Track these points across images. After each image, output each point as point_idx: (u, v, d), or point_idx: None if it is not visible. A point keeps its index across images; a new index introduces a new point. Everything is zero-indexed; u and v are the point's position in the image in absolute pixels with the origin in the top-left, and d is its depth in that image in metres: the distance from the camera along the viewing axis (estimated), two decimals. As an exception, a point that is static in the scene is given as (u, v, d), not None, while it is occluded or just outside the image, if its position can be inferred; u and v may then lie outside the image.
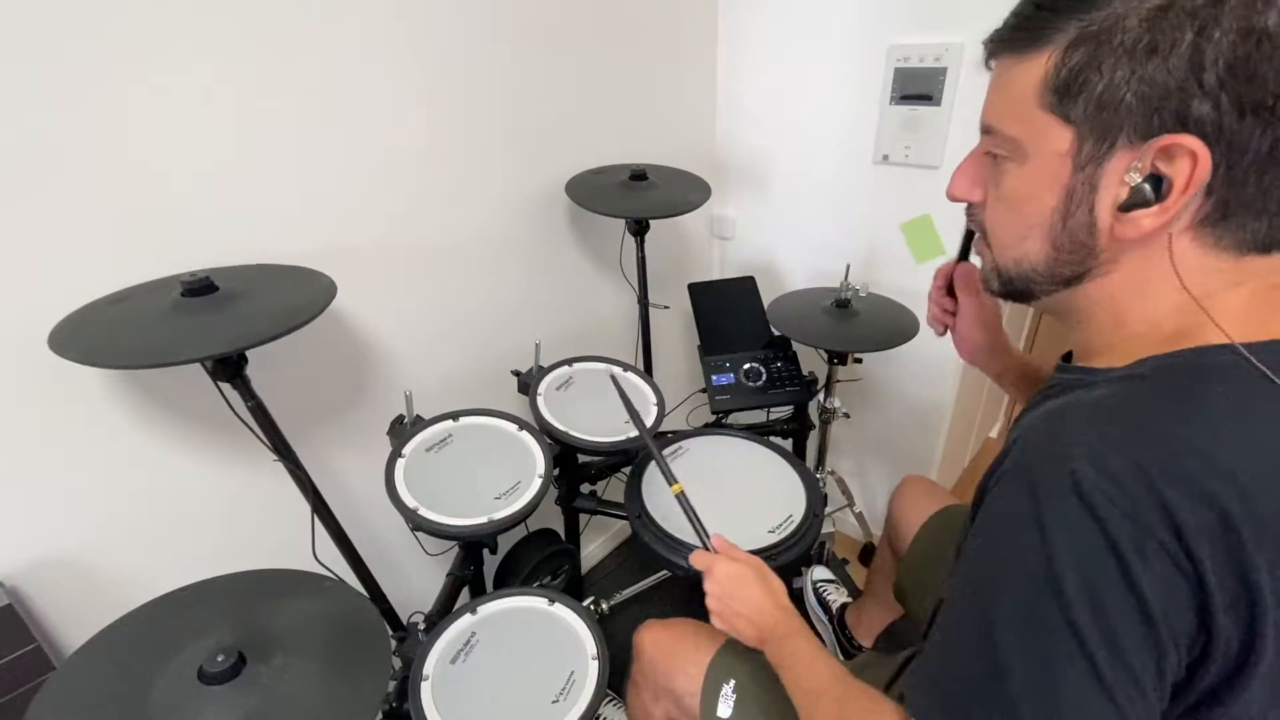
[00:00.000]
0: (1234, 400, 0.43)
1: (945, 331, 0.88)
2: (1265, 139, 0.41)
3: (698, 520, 0.83)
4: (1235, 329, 0.45)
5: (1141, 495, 0.40)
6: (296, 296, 0.78)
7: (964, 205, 0.58)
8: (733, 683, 0.81)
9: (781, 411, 1.49)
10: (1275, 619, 0.41)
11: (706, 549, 0.81)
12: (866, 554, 1.76)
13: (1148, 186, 0.44)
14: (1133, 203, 0.45)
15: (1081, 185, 0.47)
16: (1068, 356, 0.59)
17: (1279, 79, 0.40)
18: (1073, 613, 0.42)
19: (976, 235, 0.58)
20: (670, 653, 0.87)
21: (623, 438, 1.11)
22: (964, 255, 0.84)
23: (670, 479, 0.85)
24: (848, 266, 1.39)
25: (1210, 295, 0.46)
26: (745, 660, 0.83)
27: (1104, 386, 0.48)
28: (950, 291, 0.85)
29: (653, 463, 1.16)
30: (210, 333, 0.69)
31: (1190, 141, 0.42)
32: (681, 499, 0.84)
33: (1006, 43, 0.49)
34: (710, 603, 0.76)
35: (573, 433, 1.08)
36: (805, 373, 1.41)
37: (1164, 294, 0.48)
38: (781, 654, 0.70)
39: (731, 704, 0.80)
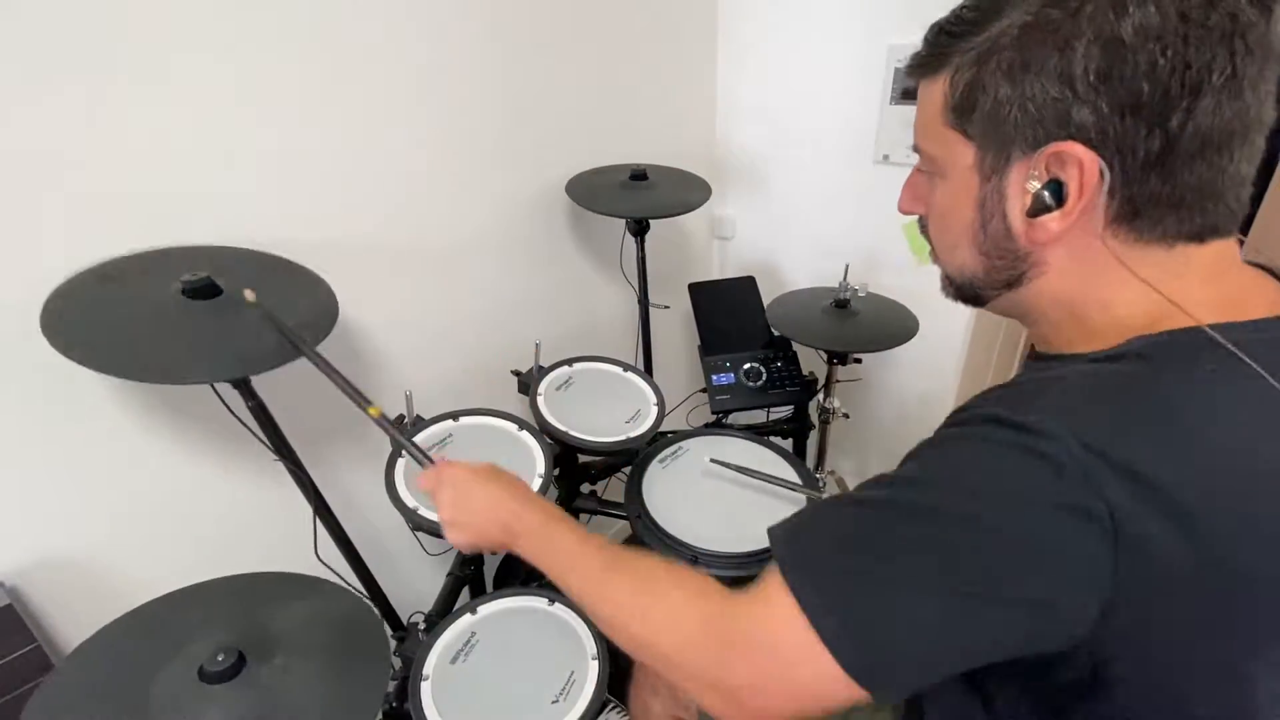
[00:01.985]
0: (1213, 376, 0.43)
1: None
2: (1154, 138, 0.43)
3: (411, 442, 0.75)
4: (1209, 317, 0.46)
5: (1104, 443, 0.40)
6: (300, 313, 0.78)
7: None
8: None
9: (781, 411, 1.49)
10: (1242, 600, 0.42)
11: (426, 467, 0.73)
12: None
13: (1046, 193, 0.47)
14: (1037, 208, 0.47)
15: (991, 195, 0.50)
16: (1035, 356, 0.60)
17: (1152, 82, 0.41)
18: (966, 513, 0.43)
19: (926, 239, 0.61)
20: None
21: (623, 438, 1.11)
22: None
23: (363, 402, 0.74)
24: (847, 267, 1.39)
25: (1159, 283, 0.47)
26: None
27: (1094, 364, 0.48)
28: None
29: (653, 463, 1.16)
30: (217, 352, 0.70)
31: (1074, 148, 0.44)
32: (381, 422, 0.74)
33: (919, 68, 0.52)
34: (443, 512, 0.69)
35: (573, 433, 1.08)
36: (805, 373, 1.41)
37: (1115, 286, 0.48)
38: (538, 544, 0.64)
39: None
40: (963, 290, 0.58)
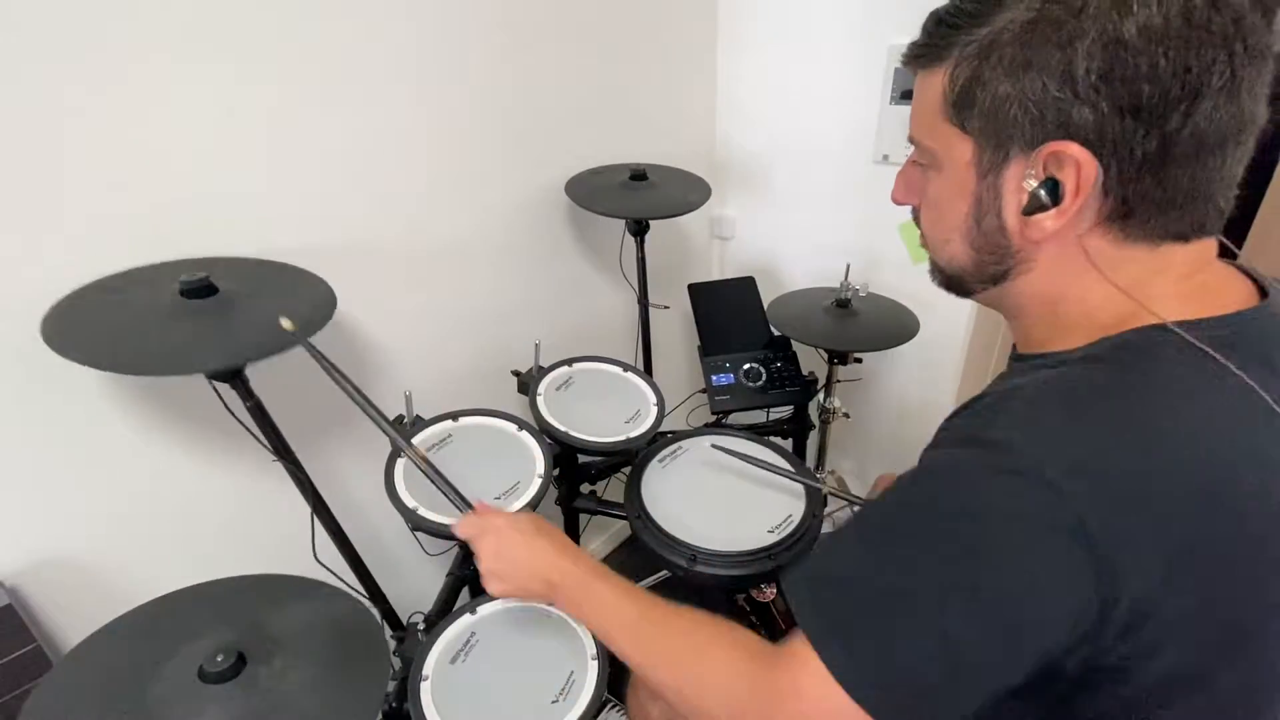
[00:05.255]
0: (1174, 377, 0.45)
1: None
2: (1151, 139, 0.43)
3: (450, 486, 0.76)
4: (1175, 312, 0.47)
5: (1062, 460, 0.42)
6: (297, 307, 0.78)
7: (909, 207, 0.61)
8: None
9: (781, 411, 1.49)
10: (1202, 582, 0.42)
11: (465, 512, 0.74)
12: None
13: (1043, 192, 0.46)
14: (1033, 207, 0.47)
15: (987, 192, 0.50)
16: (1014, 356, 0.61)
17: (1153, 83, 0.41)
18: (957, 558, 0.44)
19: (919, 227, 0.61)
20: None
21: (622, 438, 1.11)
22: None
23: (405, 447, 0.76)
24: (848, 266, 1.39)
25: (1136, 283, 0.48)
26: None
27: (1061, 367, 0.50)
28: None
29: (652, 463, 1.16)
30: (212, 343, 0.69)
31: (1072, 148, 0.44)
32: (427, 467, 0.76)
33: (917, 58, 0.51)
34: (485, 563, 0.70)
35: (573, 433, 1.08)
36: (805, 373, 1.41)
37: (1090, 285, 0.50)
38: (580, 600, 0.66)
39: None
40: (950, 281, 0.59)
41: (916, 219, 0.60)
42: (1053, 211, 0.47)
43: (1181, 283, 0.48)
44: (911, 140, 0.55)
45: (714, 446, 1.10)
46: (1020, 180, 0.47)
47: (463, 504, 0.75)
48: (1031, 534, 0.42)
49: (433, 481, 0.76)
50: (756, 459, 1.08)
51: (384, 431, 0.76)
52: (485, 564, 0.70)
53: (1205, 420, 0.43)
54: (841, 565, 0.51)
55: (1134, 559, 0.41)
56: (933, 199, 0.55)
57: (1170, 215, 0.46)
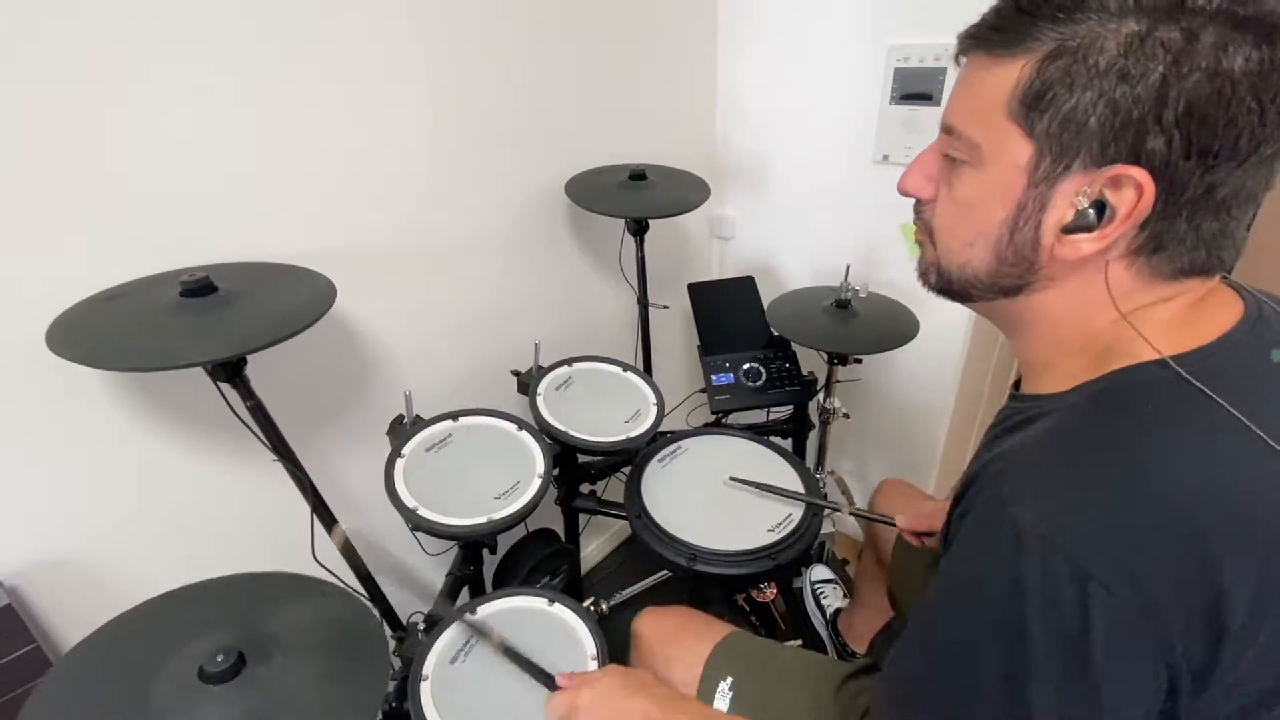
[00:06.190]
0: (1162, 417, 0.44)
1: None
2: (1202, 183, 0.43)
3: (531, 665, 0.76)
4: (1161, 341, 0.46)
5: (1079, 533, 0.41)
6: (297, 298, 0.78)
7: (913, 201, 0.57)
8: (730, 679, 0.81)
9: (781, 411, 1.49)
10: (1240, 624, 0.41)
11: (552, 689, 0.73)
12: (866, 554, 1.76)
13: (1091, 212, 0.45)
14: (1075, 226, 0.46)
15: (1032, 202, 0.47)
16: (1017, 384, 0.60)
17: (1228, 127, 0.41)
18: (1010, 659, 0.43)
19: (917, 224, 0.58)
20: (667, 640, 0.87)
21: (622, 438, 1.11)
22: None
23: (487, 632, 0.79)
24: (847, 267, 1.39)
25: (1141, 309, 0.48)
26: (744, 657, 0.83)
27: (1045, 419, 0.50)
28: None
29: (652, 462, 1.16)
30: (211, 336, 0.69)
31: (1139, 174, 0.43)
32: (510, 651, 0.77)
33: (983, 41, 0.47)
34: None
35: (572, 433, 1.08)
36: (805, 373, 1.41)
37: (1098, 311, 0.49)
38: None
39: (729, 701, 0.80)
40: (952, 285, 0.55)
41: (920, 214, 0.56)
42: (1094, 234, 0.45)
43: (1184, 309, 0.48)
44: (948, 129, 0.50)
45: (731, 479, 1.10)
46: (1073, 196, 0.45)
47: (545, 680, 0.74)
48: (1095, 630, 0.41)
49: (514, 660, 0.76)
50: (773, 487, 1.08)
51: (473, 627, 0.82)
52: None
53: (1186, 456, 0.43)
54: (909, 683, 0.53)
55: (1171, 594, 0.41)
56: (962, 197, 0.51)
57: (1196, 254, 0.46)
